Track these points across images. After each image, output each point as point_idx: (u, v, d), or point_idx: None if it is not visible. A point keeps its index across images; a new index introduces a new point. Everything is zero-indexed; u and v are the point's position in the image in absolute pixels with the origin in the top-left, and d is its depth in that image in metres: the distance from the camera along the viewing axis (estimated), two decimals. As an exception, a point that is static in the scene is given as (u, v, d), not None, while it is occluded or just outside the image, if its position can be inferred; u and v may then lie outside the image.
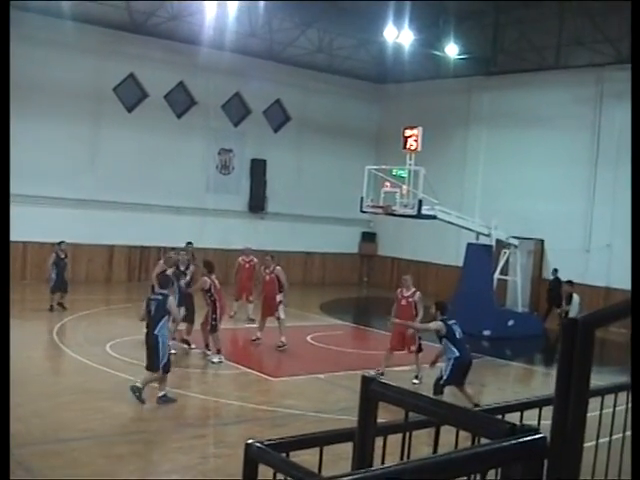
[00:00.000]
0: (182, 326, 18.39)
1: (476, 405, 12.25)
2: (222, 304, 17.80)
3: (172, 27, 30.06)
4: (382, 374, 16.44)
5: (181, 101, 32.54)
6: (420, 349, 16.82)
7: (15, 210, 27.27)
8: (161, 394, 13.74)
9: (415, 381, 16.39)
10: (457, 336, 14.25)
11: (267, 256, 20.77)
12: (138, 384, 13.57)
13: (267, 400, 15.00)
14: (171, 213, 31.61)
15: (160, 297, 13.88)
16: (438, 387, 14.03)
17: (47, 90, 28.29)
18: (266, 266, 20.23)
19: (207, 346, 17.91)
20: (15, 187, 28.83)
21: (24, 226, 27.60)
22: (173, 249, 21.41)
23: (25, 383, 14.76)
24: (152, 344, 13.66)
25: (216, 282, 17.67)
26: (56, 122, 28.68)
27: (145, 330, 13.97)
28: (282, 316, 19.72)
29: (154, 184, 30.98)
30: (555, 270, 27.39)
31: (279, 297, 19.83)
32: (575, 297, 23.19)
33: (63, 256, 23.58)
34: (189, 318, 18.48)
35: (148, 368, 13.82)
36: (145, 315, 14.01)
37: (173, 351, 17.55)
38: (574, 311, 22.40)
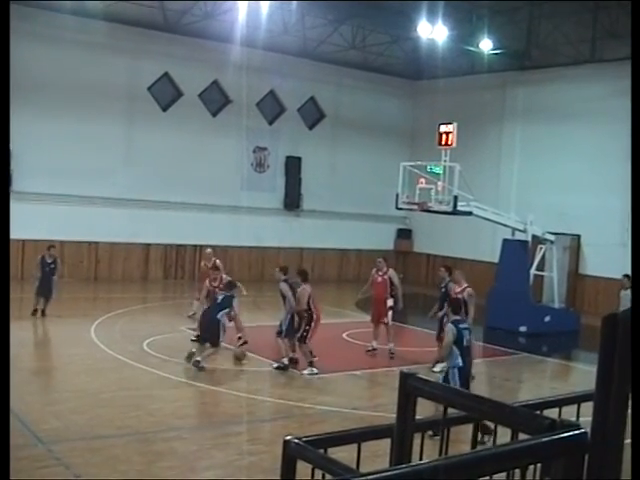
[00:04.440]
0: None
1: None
2: (319, 315, 16.80)
3: (205, 26, 30.15)
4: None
5: (215, 100, 32.67)
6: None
7: (50, 209, 27.64)
8: (199, 358, 15.91)
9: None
10: (465, 343, 12.12)
11: (379, 258, 20.03)
12: (198, 358, 15.89)
13: (303, 397, 15.01)
14: (206, 211, 31.73)
15: (229, 294, 16.83)
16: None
17: (82, 90, 28.48)
18: (378, 268, 19.45)
19: (294, 361, 16.75)
20: (51, 186, 29.26)
21: (60, 225, 27.91)
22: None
23: (63, 380, 14.90)
24: (215, 323, 16.25)
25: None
26: (91, 122, 28.83)
27: (203, 313, 16.96)
28: (390, 322, 19.12)
29: (189, 182, 31.09)
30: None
31: (390, 302, 19.17)
32: (623, 292, 22.47)
33: (50, 261, 21.83)
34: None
35: (206, 342, 16.22)
36: (206, 300, 17.86)
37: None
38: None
